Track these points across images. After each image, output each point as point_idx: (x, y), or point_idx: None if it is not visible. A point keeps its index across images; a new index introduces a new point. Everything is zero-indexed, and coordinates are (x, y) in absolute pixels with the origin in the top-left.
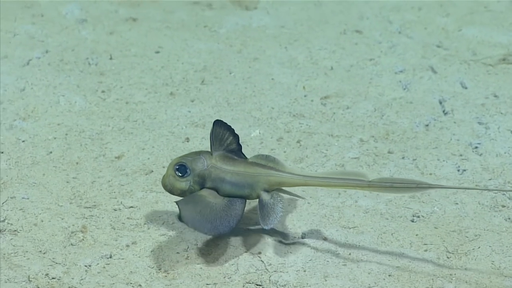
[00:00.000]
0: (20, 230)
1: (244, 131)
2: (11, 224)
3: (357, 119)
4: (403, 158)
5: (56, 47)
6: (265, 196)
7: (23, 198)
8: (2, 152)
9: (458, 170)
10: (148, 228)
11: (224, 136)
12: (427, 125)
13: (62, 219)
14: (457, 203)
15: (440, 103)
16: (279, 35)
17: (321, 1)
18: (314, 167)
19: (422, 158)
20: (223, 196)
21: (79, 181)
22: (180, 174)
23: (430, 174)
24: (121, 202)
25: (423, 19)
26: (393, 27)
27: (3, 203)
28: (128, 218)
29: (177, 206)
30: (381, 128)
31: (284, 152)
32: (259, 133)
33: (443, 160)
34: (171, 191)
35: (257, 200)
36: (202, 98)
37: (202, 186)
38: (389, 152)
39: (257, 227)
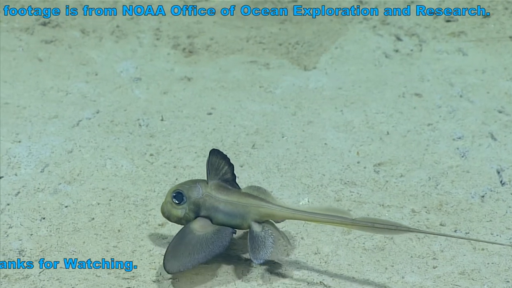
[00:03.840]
0: None
1: (293, 199)
2: None
3: (410, 188)
4: (455, 231)
5: (108, 107)
6: (256, 228)
7: (61, 267)
8: (44, 218)
9: None
10: None
11: (220, 166)
12: (482, 196)
13: None
14: (508, 281)
15: (498, 172)
16: (336, 97)
17: (382, 62)
18: (362, 238)
19: (475, 232)
20: (216, 224)
21: (120, 250)
22: (177, 202)
23: (482, 249)
24: (160, 273)
25: (486, 83)
26: (454, 91)
27: (40, 273)
28: None
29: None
30: (435, 198)
31: None
32: (308, 201)
33: (497, 234)
34: (168, 217)
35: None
36: (251, 163)
37: (197, 214)
38: (441, 225)
39: None
